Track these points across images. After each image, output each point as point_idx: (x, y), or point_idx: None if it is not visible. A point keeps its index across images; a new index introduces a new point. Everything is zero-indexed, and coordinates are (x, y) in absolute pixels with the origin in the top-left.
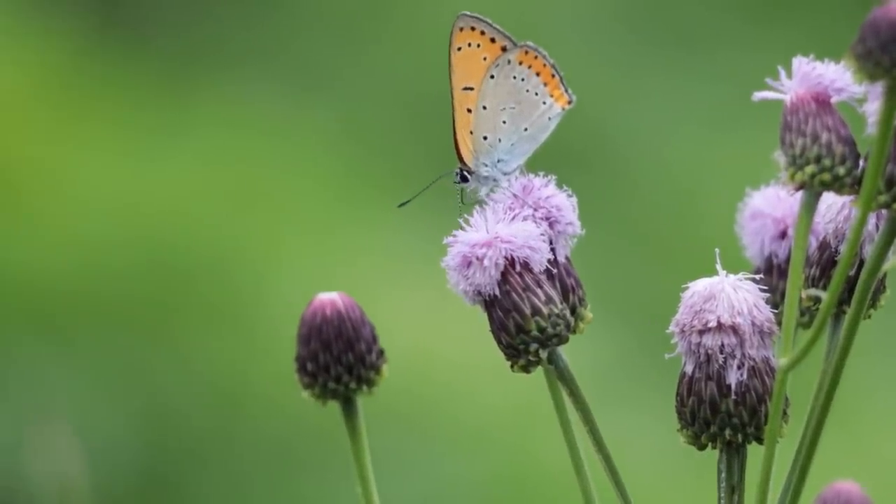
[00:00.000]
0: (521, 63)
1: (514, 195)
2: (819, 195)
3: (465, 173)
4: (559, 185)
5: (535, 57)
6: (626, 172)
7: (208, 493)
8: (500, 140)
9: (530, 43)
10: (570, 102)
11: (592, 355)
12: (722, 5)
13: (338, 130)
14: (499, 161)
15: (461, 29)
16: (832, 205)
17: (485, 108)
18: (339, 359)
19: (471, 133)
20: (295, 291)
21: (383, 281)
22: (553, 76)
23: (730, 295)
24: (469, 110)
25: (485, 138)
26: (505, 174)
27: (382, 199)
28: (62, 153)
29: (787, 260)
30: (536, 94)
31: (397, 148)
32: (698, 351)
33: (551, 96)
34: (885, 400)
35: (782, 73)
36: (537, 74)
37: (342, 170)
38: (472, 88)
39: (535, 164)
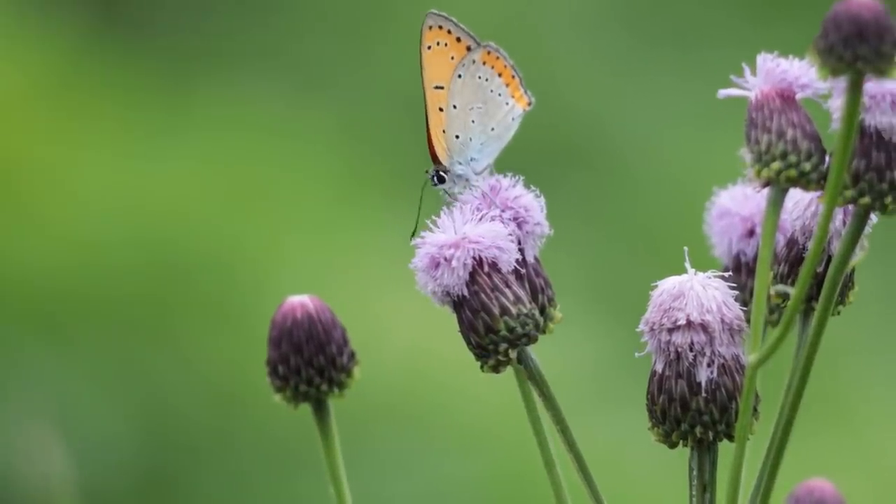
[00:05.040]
0: (484, 63)
1: (483, 195)
2: (786, 192)
3: (442, 174)
4: (527, 185)
5: (497, 58)
6: (625, 170)
7: (208, 492)
8: (470, 139)
9: (492, 43)
10: (529, 104)
11: (592, 353)
12: (720, 4)
13: (338, 130)
14: (471, 160)
15: (430, 27)
16: (799, 201)
17: (455, 107)
18: (309, 361)
19: (443, 132)
20: (295, 291)
21: (383, 280)
22: (513, 77)
23: (699, 293)
24: (441, 109)
25: (457, 137)
26: (476, 174)
27: (382, 199)
28: (62, 153)
29: (755, 258)
30: (500, 94)
31: (397, 148)
32: (668, 349)
33: (512, 97)
34: (883, 399)
35: (747, 71)
36: (499, 75)
37: (342, 170)
38: (442, 87)
39: (534, 162)
